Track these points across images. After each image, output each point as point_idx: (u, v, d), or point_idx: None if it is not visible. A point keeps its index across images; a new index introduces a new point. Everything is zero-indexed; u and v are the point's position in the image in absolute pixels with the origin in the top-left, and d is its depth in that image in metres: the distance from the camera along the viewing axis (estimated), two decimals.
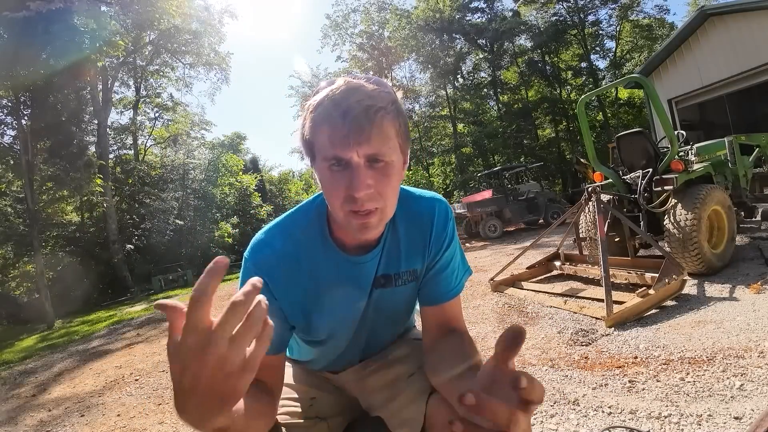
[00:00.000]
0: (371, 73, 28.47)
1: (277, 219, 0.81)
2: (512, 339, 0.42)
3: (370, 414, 0.92)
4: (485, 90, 25.97)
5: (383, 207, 0.66)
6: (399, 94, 0.69)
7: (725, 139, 4.57)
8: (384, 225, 0.70)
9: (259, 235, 0.78)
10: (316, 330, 0.82)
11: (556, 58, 25.12)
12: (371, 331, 0.90)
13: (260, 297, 0.40)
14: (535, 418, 1.93)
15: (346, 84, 0.63)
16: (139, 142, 21.30)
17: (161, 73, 21.22)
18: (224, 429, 0.46)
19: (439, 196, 0.86)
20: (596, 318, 3.09)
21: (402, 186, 0.85)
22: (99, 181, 12.46)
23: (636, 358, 2.36)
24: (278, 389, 0.77)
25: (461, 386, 0.66)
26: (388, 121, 0.63)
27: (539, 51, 24.85)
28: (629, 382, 2.09)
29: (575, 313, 3.31)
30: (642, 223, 4.03)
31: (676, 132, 4.41)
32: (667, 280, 3.17)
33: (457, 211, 11.82)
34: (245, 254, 0.76)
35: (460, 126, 24.66)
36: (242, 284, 0.74)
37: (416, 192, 0.85)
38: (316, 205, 0.79)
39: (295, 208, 0.82)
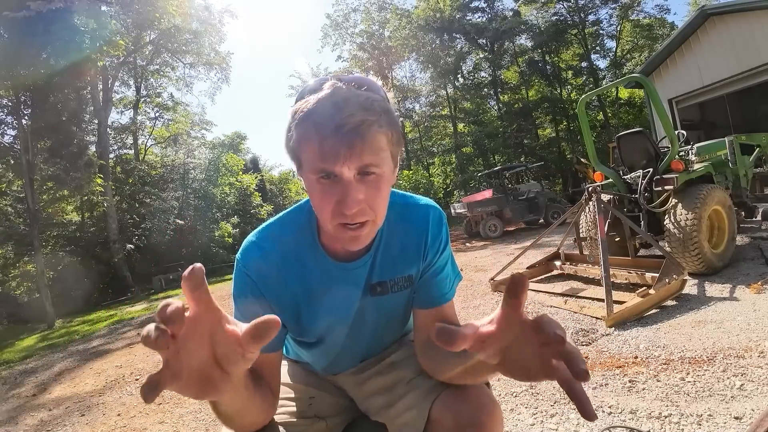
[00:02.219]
0: (371, 73, 28.61)
1: (270, 221, 0.81)
2: (514, 288, 0.42)
3: (371, 418, 0.91)
4: (486, 90, 26.00)
5: (374, 219, 0.65)
6: (390, 95, 0.67)
7: (726, 138, 4.56)
8: (371, 237, 0.69)
9: (250, 237, 0.78)
10: (306, 333, 0.82)
11: (556, 58, 25.12)
12: (371, 337, 0.90)
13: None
14: (535, 418, 1.93)
15: (336, 91, 0.59)
16: (140, 141, 21.34)
17: (161, 73, 21.24)
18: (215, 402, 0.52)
19: (433, 202, 0.86)
20: (596, 318, 3.09)
21: (396, 191, 0.84)
22: (99, 181, 12.45)
23: (636, 357, 2.36)
24: (276, 388, 0.77)
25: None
26: (381, 133, 0.60)
27: (540, 51, 24.85)
28: (629, 381, 2.09)
29: (575, 312, 3.31)
30: (642, 222, 4.03)
31: (676, 132, 4.41)
32: (667, 280, 3.17)
33: (458, 211, 11.82)
34: (237, 256, 0.77)
35: (460, 126, 24.67)
36: (235, 284, 0.76)
37: (411, 198, 0.85)
38: (307, 209, 0.79)
39: (287, 210, 0.82)
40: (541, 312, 3.52)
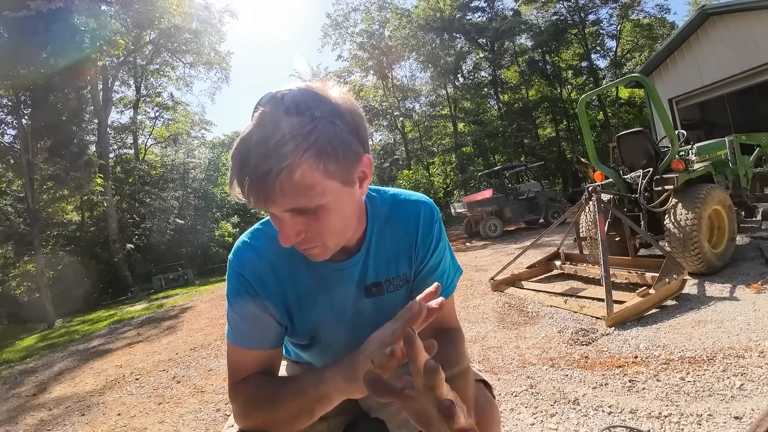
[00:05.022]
0: (371, 72, 28.56)
1: (261, 221, 0.81)
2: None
3: (370, 415, 0.92)
4: (486, 89, 25.99)
5: (322, 244, 0.65)
6: (346, 102, 0.61)
7: (726, 138, 4.57)
8: (332, 252, 0.68)
9: (243, 237, 0.78)
10: (298, 333, 0.82)
11: (556, 58, 25.11)
12: None
13: None
14: (535, 418, 1.93)
15: (255, 127, 0.56)
16: (140, 141, 21.38)
17: (161, 73, 21.27)
18: None
19: (425, 197, 0.85)
20: (596, 317, 3.09)
21: (386, 189, 0.84)
22: (99, 181, 12.45)
23: (636, 357, 2.36)
24: None
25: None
26: (304, 171, 0.55)
27: (540, 50, 24.86)
28: (629, 381, 2.09)
29: (575, 312, 3.31)
30: (642, 222, 4.03)
31: (676, 131, 4.41)
32: (667, 280, 3.17)
33: (458, 211, 11.81)
34: (230, 257, 0.77)
35: (460, 125, 24.66)
36: (229, 285, 0.76)
37: (402, 195, 0.84)
38: None
39: None
40: (542, 312, 3.52)
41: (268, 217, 0.80)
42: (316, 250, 0.65)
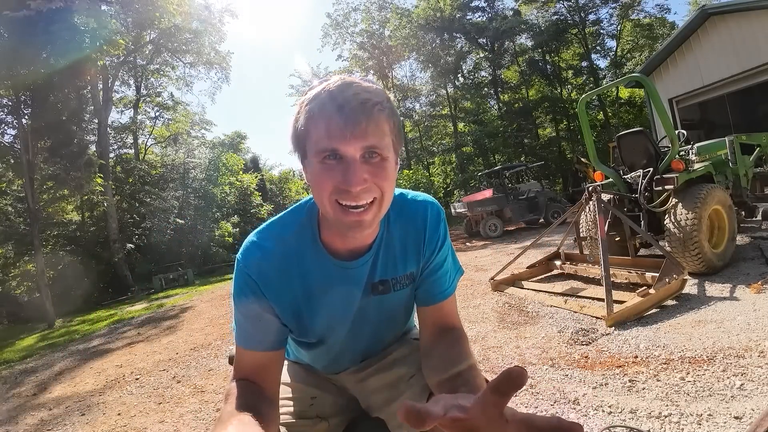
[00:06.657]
0: (372, 72, 28.63)
1: (270, 220, 0.81)
2: (506, 384, 0.35)
3: (371, 415, 0.92)
4: (486, 89, 25.98)
5: (380, 199, 0.65)
6: (390, 95, 0.69)
7: (726, 138, 4.57)
8: (378, 223, 0.68)
9: (251, 236, 0.78)
10: (307, 333, 0.82)
11: (556, 57, 25.12)
12: (372, 335, 0.90)
13: None
14: None
15: (342, 80, 0.63)
16: (140, 141, 21.37)
17: (162, 72, 21.27)
18: None
19: (431, 197, 0.86)
20: (596, 317, 3.09)
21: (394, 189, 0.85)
22: (99, 180, 12.43)
23: (636, 357, 2.36)
24: (275, 389, 0.77)
25: (452, 391, 0.65)
26: (384, 116, 0.63)
27: (540, 50, 24.86)
28: (629, 381, 2.09)
29: (575, 312, 3.31)
30: (642, 222, 4.03)
31: (676, 131, 4.41)
32: (667, 280, 3.17)
33: (458, 210, 11.82)
34: (237, 256, 0.77)
35: (460, 125, 24.66)
36: (235, 285, 0.76)
37: (408, 194, 0.85)
38: (307, 208, 0.79)
39: (287, 209, 0.81)
40: (542, 312, 3.52)
41: (275, 218, 0.81)
42: (371, 212, 0.65)
